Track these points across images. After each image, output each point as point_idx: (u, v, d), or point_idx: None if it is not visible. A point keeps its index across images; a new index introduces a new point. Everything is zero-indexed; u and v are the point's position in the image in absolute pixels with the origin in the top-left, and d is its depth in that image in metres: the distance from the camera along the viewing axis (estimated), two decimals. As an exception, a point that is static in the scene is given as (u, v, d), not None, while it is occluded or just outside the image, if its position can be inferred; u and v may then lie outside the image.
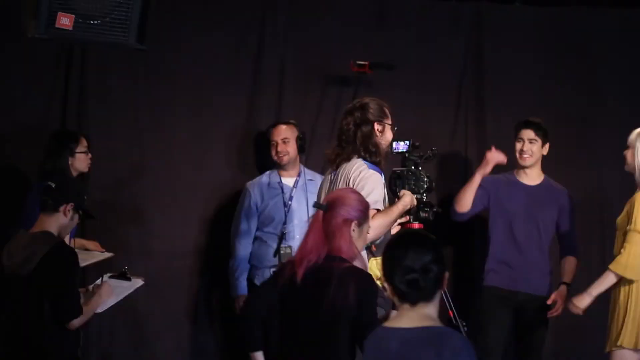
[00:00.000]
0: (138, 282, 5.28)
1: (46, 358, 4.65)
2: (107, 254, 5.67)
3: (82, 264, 5.37)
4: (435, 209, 5.17)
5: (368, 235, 4.44)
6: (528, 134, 5.90)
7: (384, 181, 4.80)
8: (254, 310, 4.25)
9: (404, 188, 5.08)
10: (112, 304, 5.08)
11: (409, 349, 3.12)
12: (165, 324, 6.26)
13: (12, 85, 6.11)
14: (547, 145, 5.95)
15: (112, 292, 5.01)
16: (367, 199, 4.50)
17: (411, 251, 3.17)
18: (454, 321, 5.29)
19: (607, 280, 5.32)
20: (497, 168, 6.08)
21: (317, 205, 4.21)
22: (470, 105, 6.71)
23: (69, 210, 4.76)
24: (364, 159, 4.81)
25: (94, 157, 5.81)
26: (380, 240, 4.73)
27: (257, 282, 6.03)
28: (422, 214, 5.13)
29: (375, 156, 4.82)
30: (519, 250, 5.88)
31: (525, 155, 5.90)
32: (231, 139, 6.43)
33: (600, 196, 6.58)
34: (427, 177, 5.18)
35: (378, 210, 4.65)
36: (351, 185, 4.67)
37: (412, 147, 5.21)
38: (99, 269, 5.53)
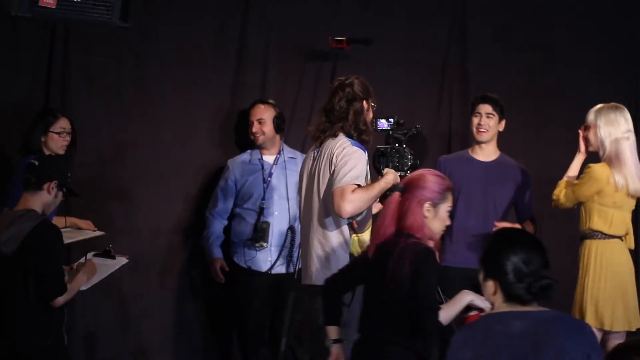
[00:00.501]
0: (122, 261, 5.30)
1: (31, 335, 4.66)
2: (98, 232, 5.69)
3: (70, 240, 5.40)
4: None
5: (345, 209, 4.53)
6: (486, 108, 5.82)
7: (367, 158, 4.80)
8: (333, 286, 4.39)
9: (387, 166, 5.09)
10: (96, 281, 5.10)
11: (539, 327, 3.13)
12: (150, 301, 6.28)
13: (-5, 64, 6.10)
14: (503, 122, 5.86)
15: (96, 270, 5.03)
16: (349, 175, 4.58)
17: (537, 255, 3.22)
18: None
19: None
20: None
21: (394, 188, 4.32)
22: (455, 83, 6.75)
23: (52, 188, 4.77)
24: (350, 136, 4.80)
25: (78, 135, 5.80)
26: (362, 217, 4.75)
27: (236, 259, 6.09)
28: None
29: (365, 134, 4.82)
30: (475, 228, 5.83)
31: (482, 130, 5.83)
32: (215, 118, 6.44)
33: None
34: (411, 154, 5.19)
35: (359, 186, 4.65)
36: (334, 162, 4.69)
37: (396, 124, 5.22)
38: (84, 247, 5.53)
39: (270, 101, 6.22)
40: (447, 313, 4.11)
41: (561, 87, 6.63)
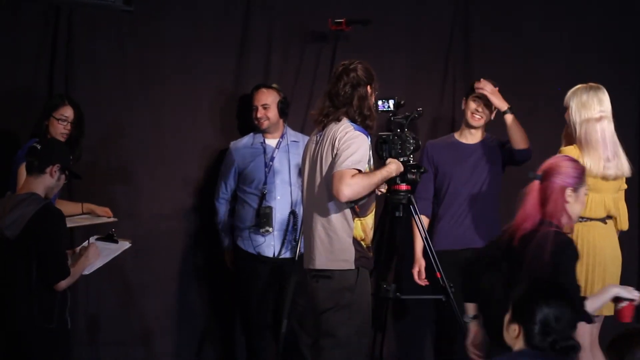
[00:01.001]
0: (125, 245, 5.30)
1: (34, 320, 4.68)
2: (112, 219, 5.69)
3: (80, 224, 5.42)
4: (422, 170, 5.19)
5: (343, 193, 4.58)
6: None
7: (369, 144, 4.80)
8: (474, 267, 4.50)
9: (390, 153, 5.09)
10: (99, 266, 5.12)
11: None
12: (153, 285, 6.28)
13: (-1, 47, 6.10)
14: (495, 112, 5.89)
15: (99, 254, 5.04)
16: (349, 159, 4.60)
17: (568, 314, 3.30)
18: (441, 282, 5.35)
19: None
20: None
21: (532, 175, 4.38)
22: (458, 67, 6.72)
23: (55, 171, 4.78)
24: (354, 121, 4.80)
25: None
26: (364, 201, 4.75)
27: (240, 243, 6.11)
28: (410, 176, 5.15)
29: (369, 119, 4.82)
30: (466, 210, 5.86)
31: (477, 116, 5.85)
32: (218, 101, 6.43)
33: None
34: (414, 138, 5.17)
35: (360, 171, 4.66)
36: (336, 146, 4.70)
37: (396, 105, 5.18)
38: (88, 231, 5.55)
39: (274, 85, 6.19)
40: (593, 304, 4.25)
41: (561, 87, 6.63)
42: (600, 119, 5.16)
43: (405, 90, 6.59)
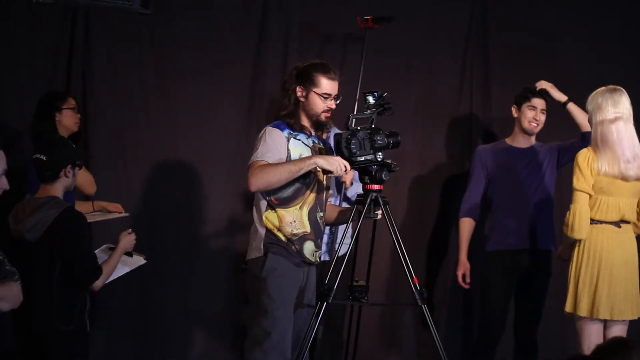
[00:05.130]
0: (140, 260, 5.32)
1: (54, 322, 4.69)
2: (124, 214, 5.73)
3: (94, 219, 5.44)
4: (390, 168, 4.96)
5: (251, 183, 4.70)
6: (542, 103, 5.92)
7: (284, 135, 4.81)
8: None
9: (342, 152, 4.88)
10: (112, 279, 5.11)
11: None
12: (169, 288, 6.29)
13: (17, 50, 6.10)
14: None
15: (133, 241, 5.09)
16: (256, 152, 4.76)
17: None
18: (414, 288, 5.14)
19: (565, 240, 5.34)
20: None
21: None
22: (476, 68, 6.70)
23: (69, 171, 4.80)
24: (277, 118, 4.90)
25: (99, 121, 5.81)
26: (286, 194, 4.80)
27: None
28: (378, 175, 4.94)
29: (289, 118, 4.85)
30: (521, 214, 5.89)
31: (533, 124, 5.92)
32: (235, 102, 6.42)
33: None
34: (388, 135, 4.93)
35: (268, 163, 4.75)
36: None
37: (380, 98, 4.97)
38: (102, 230, 5.63)
39: None
40: None
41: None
42: (615, 120, 5.15)
43: (422, 91, 6.60)
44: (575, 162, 5.20)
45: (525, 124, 5.93)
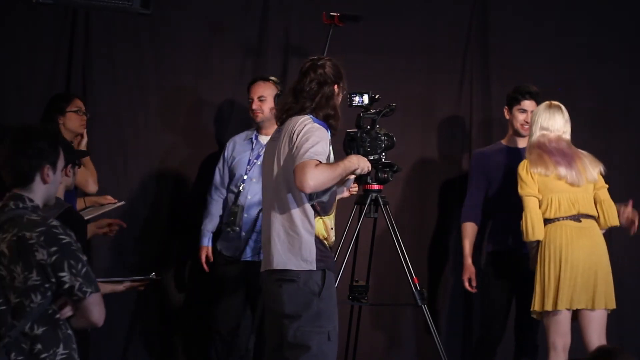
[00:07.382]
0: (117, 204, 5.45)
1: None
2: (119, 203, 5.70)
3: (92, 215, 5.44)
4: (395, 169, 5.00)
5: (308, 183, 4.28)
6: (532, 105, 5.89)
7: (330, 138, 4.51)
8: None
9: (358, 151, 4.85)
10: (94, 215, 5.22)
11: None
12: (168, 288, 6.27)
13: (17, 50, 6.10)
14: None
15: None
16: (311, 150, 4.33)
17: None
18: (414, 288, 5.16)
19: (530, 250, 5.54)
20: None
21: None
22: (475, 68, 6.69)
23: (69, 171, 4.79)
24: (316, 117, 4.53)
25: (99, 121, 5.81)
26: (326, 200, 4.51)
27: (218, 243, 5.91)
28: (382, 175, 4.99)
29: (332, 119, 4.54)
30: (521, 214, 5.87)
31: (525, 127, 5.90)
32: (235, 103, 6.41)
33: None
34: (386, 135, 4.96)
35: (320, 162, 4.38)
36: (294, 139, 4.42)
37: (371, 100, 4.98)
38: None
39: (272, 78, 5.96)
40: None
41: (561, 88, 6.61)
42: (547, 132, 5.46)
43: (422, 92, 6.59)
44: (517, 174, 5.46)
45: (517, 127, 5.95)
